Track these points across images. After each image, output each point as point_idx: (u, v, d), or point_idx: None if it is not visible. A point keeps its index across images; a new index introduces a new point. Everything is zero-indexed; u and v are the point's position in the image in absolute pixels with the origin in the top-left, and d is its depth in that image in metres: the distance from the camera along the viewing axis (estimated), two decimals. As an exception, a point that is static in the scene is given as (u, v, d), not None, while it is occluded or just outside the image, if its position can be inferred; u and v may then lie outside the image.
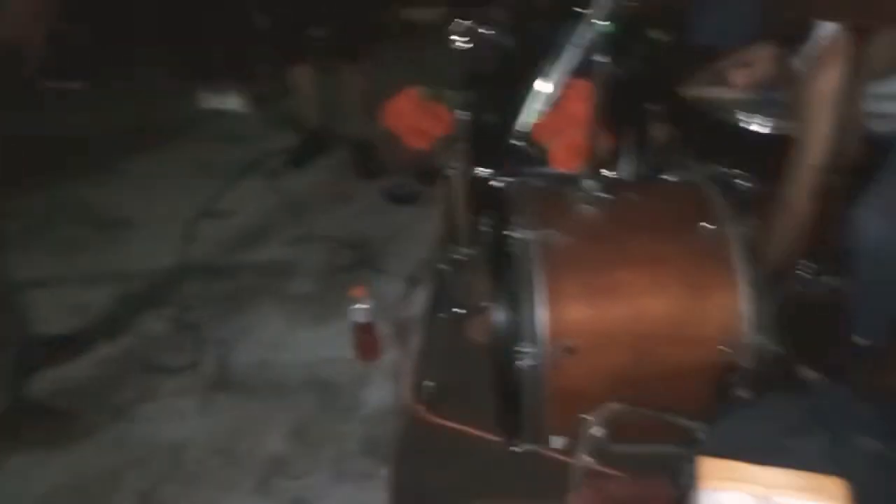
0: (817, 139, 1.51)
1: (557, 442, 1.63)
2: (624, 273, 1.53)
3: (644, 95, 1.97)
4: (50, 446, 1.99)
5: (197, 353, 2.32)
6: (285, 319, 2.50)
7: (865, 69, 1.39)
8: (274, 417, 2.09)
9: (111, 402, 2.16)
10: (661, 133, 2.00)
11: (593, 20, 1.51)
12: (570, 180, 1.69)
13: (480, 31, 1.72)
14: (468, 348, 2.10)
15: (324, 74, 3.43)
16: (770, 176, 1.75)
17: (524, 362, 1.49)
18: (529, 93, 1.69)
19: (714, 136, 1.98)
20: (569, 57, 1.67)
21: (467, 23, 1.72)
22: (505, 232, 1.60)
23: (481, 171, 1.85)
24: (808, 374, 1.46)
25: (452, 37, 1.72)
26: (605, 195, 1.61)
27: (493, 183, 1.81)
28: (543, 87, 1.62)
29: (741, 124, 1.89)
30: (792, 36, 1.80)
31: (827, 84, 1.52)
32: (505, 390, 1.62)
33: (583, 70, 1.61)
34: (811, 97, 1.64)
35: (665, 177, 1.78)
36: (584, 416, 1.42)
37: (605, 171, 1.79)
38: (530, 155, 1.84)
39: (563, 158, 1.72)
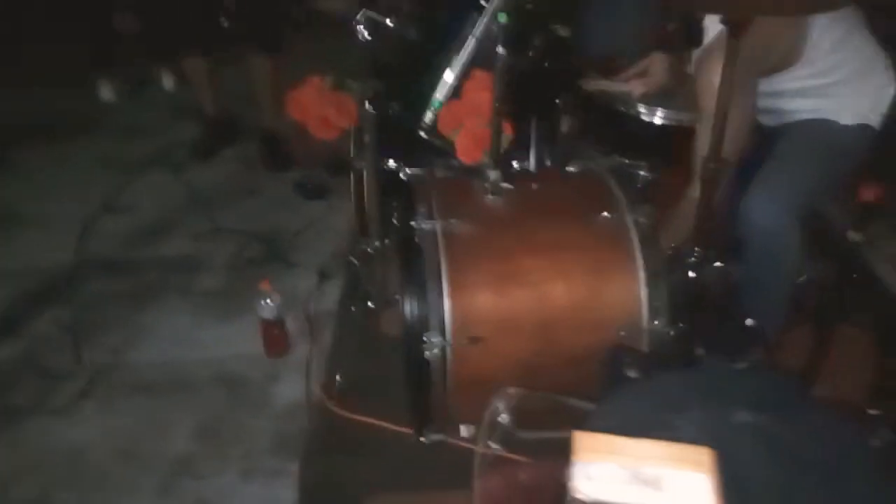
0: (706, 130, 1.58)
1: (467, 431, 1.66)
2: (527, 260, 1.56)
3: (547, 88, 2.01)
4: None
5: (95, 353, 2.22)
6: (191, 316, 2.43)
7: (746, 61, 1.46)
8: (179, 416, 2.03)
9: (3, 405, 2.06)
10: (565, 124, 2.05)
11: (494, 12, 1.53)
12: (475, 171, 1.72)
13: (385, 21, 1.71)
14: (379, 341, 2.09)
15: (228, 65, 3.35)
16: (669, 166, 1.83)
17: (431, 352, 1.50)
18: (433, 84, 1.70)
19: (616, 128, 2.05)
20: (470, 49, 1.69)
21: (372, 13, 1.70)
22: (411, 223, 1.60)
23: (389, 162, 1.85)
24: (701, 354, 1.52)
25: (357, 27, 1.71)
26: (509, 185, 1.64)
27: (401, 175, 1.81)
28: (446, 77, 1.63)
29: (642, 117, 1.96)
30: (682, 43, 1.88)
31: (711, 75, 1.59)
32: (414, 382, 1.62)
33: (485, 62, 1.63)
34: (699, 89, 1.72)
35: (568, 167, 1.82)
36: (487, 403, 1.44)
37: (509, 162, 1.82)
38: (436, 146, 1.85)
39: (467, 149, 1.73)
